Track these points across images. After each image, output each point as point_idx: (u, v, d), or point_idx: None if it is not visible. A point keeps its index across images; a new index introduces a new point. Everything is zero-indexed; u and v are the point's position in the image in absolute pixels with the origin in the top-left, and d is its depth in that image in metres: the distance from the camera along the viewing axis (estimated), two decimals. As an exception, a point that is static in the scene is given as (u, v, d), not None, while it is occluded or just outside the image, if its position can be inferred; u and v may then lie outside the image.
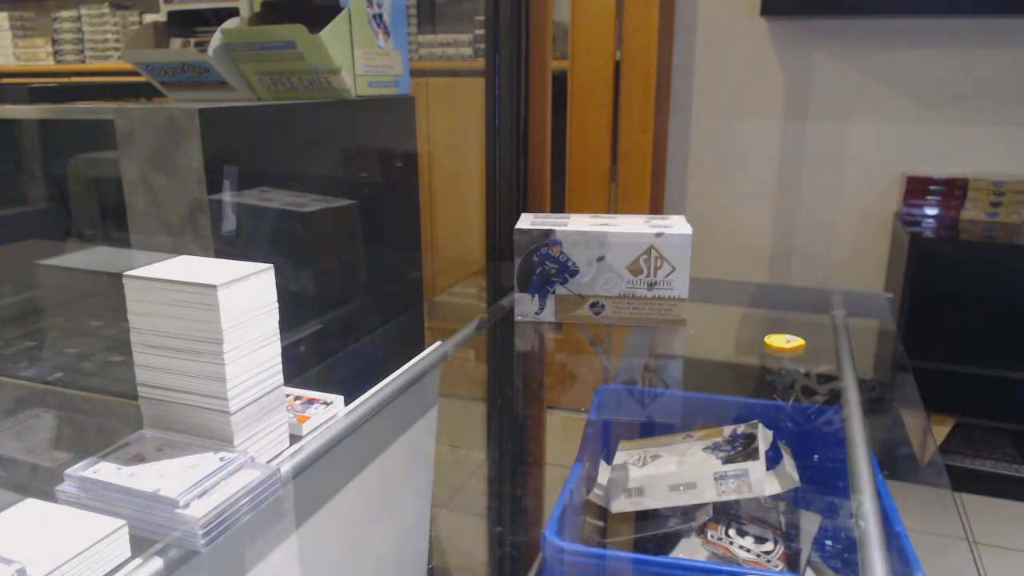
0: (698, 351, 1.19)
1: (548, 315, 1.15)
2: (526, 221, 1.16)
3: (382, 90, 1.18)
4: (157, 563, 0.55)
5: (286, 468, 0.67)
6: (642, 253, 1.10)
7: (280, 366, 0.68)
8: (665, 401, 1.16)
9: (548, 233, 1.12)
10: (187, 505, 0.57)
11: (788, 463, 0.90)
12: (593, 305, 1.14)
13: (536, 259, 1.13)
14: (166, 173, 0.86)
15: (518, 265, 1.14)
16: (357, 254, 1.17)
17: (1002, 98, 2.17)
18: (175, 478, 0.59)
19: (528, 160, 1.59)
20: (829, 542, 0.92)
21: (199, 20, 1.16)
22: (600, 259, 1.12)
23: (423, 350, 0.98)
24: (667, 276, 1.11)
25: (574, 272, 1.13)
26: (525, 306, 1.15)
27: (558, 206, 2.42)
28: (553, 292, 1.14)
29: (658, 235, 1.09)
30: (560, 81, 2.27)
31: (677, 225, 1.12)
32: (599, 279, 1.13)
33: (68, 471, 0.60)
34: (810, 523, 0.92)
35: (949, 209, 2.20)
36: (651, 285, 1.12)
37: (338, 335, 1.12)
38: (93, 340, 1.04)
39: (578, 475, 0.87)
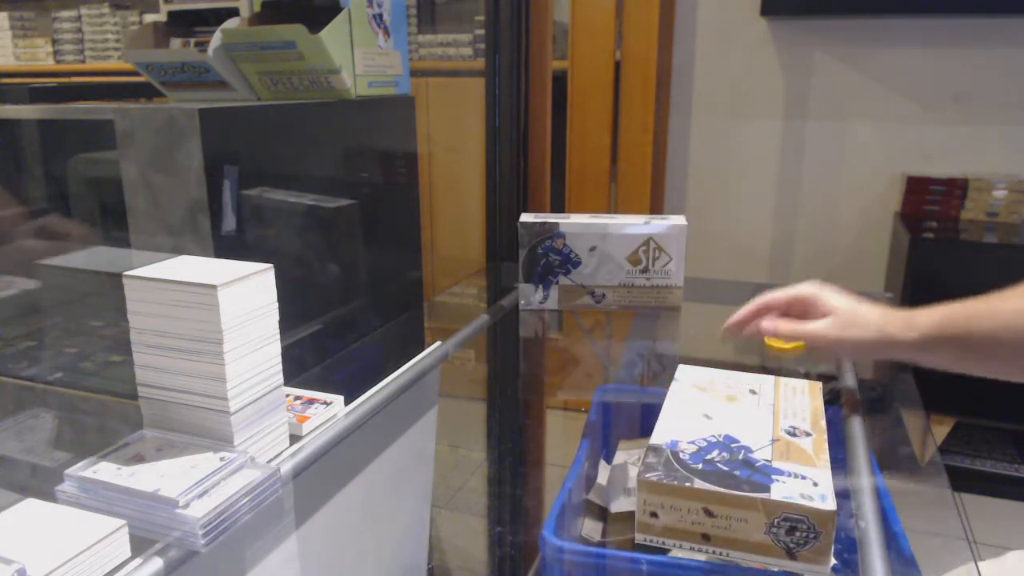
0: (698, 351, 1.20)
1: (551, 304, 1.21)
2: (527, 219, 1.19)
3: (382, 90, 1.18)
4: (157, 563, 0.55)
5: (286, 468, 0.67)
6: (641, 244, 1.17)
7: (280, 366, 0.68)
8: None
9: (552, 226, 1.18)
10: (187, 505, 0.57)
11: (788, 463, 0.90)
12: (594, 294, 1.20)
13: (540, 251, 1.19)
14: (166, 173, 0.86)
15: (523, 256, 1.19)
16: (357, 254, 1.17)
17: (1002, 98, 2.17)
18: (175, 478, 0.59)
19: (528, 160, 1.59)
20: (829, 542, 0.91)
21: (199, 20, 1.16)
22: (602, 251, 1.18)
23: (423, 350, 0.98)
24: (664, 266, 1.17)
25: (576, 263, 1.19)
26: (529, 296, 1.21)
27: (558, 206, 2.42)
28: (556, 282, 1.20)
29: (655, 227, 1.17)
30: (560, 81, 2.27)
31: (673, 218, 1.19)
32: (600, 269, 1.19)
33: (68, 471, 0.60)
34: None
35: (949, 209, 2.20)
36: (649, 275, 1.18)
37: (338, 335, 1.12)
38: (93, 340, 1.04)
39: (577, 475, 0.87)
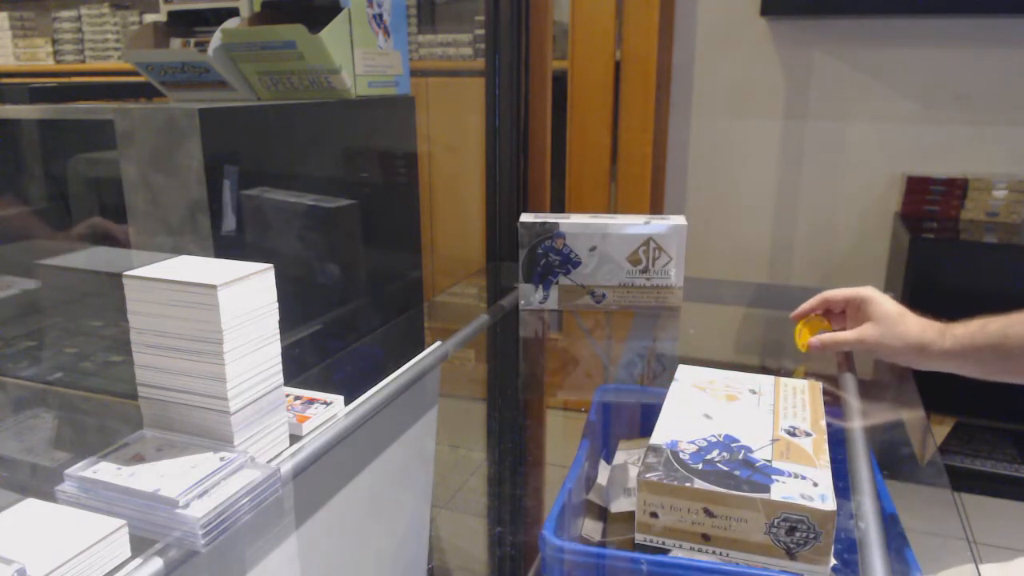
0: (698, 351, 1.20)
1: (551, 303, 1.21)
2: (527, 220, 1.18)
3: (382, 90, 1.18)
4: (157, 563, 0.55)
5: (286, 468, 0.67)
6: (641, 244, 1.17)
7: (280, 366, 0.68)
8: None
9: (552, 226, 1.17)
10: (187, 505, 0.57)
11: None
12: (594, 294, 1.20)
13: (540, 251, 1.18)
14: (166, 173, 0.86)
15: (523, 257, 1.19)
16: (357, 254, 1.17)
17: (1002, 98, 2.17)
18: (175, 478, 0.59)
19: (528, 160, 1.59)
20: (829, 542, 0.91)
21: (199, 20, 1.16)
22: (602, 251, 1.18)
23: (423, 350, 0.98)
24: (664, 266, 1.17)
25: (576, 263, 1.19)
26: (529, 296, 1.21)
27: (558, 206, 2.42)
28: (556, 282, 1.20)
29: (655, 227, 1.16)
30: (560, 81, 2.27)
31: (673, 219, 1.18)
32: (600, 270, 1.19)
33: (68, 471, 0.60)
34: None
35: (949, 209, 2.20)
36: (649, 275, 1.18)
37: (338, 335, 1.12)
38: (93, 340, 1.04)
39: (577, 475, 0.87)
